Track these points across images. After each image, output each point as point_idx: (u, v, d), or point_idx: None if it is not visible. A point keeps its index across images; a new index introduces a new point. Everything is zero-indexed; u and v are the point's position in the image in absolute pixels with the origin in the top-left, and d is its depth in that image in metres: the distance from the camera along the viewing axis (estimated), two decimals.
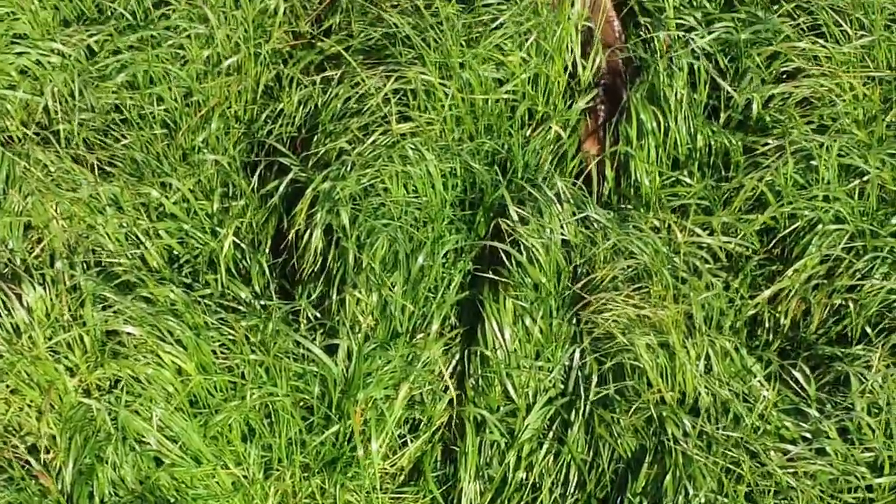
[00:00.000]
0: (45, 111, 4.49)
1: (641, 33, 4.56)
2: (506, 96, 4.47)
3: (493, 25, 4.48)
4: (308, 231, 4.21)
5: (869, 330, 4.05)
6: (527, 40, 4.48)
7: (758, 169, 4.23)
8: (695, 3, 4.57)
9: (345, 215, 4.11)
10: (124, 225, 4.23)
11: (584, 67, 4.56)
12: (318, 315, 4.14)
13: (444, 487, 4.11)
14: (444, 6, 4.52)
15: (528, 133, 4.48)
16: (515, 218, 4.14)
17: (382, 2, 4.71)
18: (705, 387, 3.92)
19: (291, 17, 4.86)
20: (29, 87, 4.51)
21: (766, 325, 4.18)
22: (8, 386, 3.85)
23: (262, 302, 4.16)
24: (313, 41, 4.77)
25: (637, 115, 4.31)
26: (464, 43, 4.44)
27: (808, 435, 3.84)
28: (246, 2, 4.69)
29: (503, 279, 4.09)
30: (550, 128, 4.46)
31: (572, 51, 4.55)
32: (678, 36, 4.46)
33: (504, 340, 4.04)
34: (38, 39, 4.59)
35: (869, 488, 3.80)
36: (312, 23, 4.89)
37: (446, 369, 4.17)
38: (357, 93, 4.45)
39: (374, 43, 4.63)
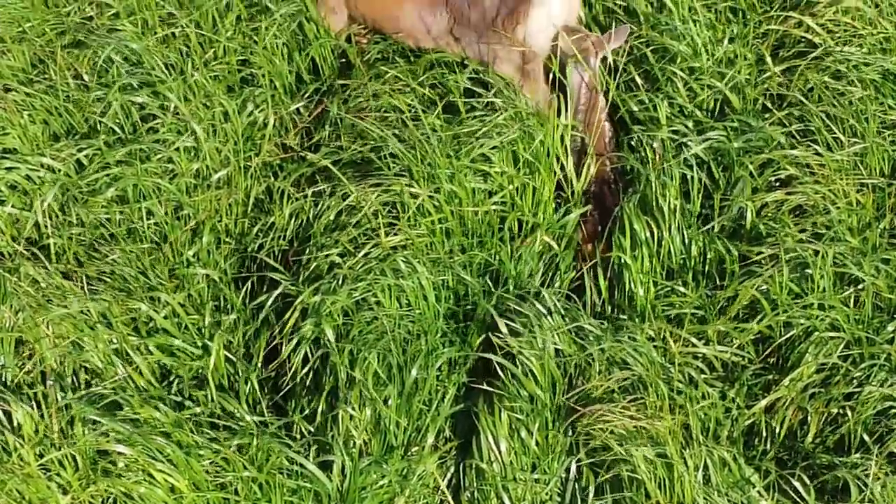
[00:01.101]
0: (35, 226, 5.05)
1: (633, 142, 5.15)
2: (495, 207, 5.02)
3: (479, 136, 5.06)
4: (299, 345, 4.72)
5: (866, 437, 4.53)
6: (513, 151, 5.06)
7: (752, 277, 4.76)
8: (686, 112, 5.16)
9: (330, 332, 4.62)
10: (114, 341, 4.75)
11: (574, 177, 5.14)
12: (312, 430, 4.63)
13: None
14: (429, 117, 5.10)
15: (518, 244, 5.02)
16: (506, 331, 4.66)
17: (370, 115, 5.30)
18: (704, 498, 4.38)
19: (281, 131, 5.45)
20: (19, 202, 5.07)
21: (764, 434, 4.65)
22: None
23: (255, 418, 4.66)
24: (303, 155, 5.35)
25: (630, 224, 4.86)
26: (451, 153, 5.01)
27: None
28: (235, 115, 5.29)
29: (498, 391, 4.58)
30: (541, 238, 5.01)
31: (561, 161, 5.13)
32: (671, 144, 5.04)
33: (500, 453, 4.52)
34: (28, 154, 5.17)
35: None
36: (302, 136, 5.48)
37: (442, 482, 4.64)
38: (347, 206, 5.01)
39: (363, 156, 5.21)
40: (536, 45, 5.24)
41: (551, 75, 5.29)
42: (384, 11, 5.54)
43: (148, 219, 5.08)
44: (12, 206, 5.06)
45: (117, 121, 5.24)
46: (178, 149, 5.16)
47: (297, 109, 5.53)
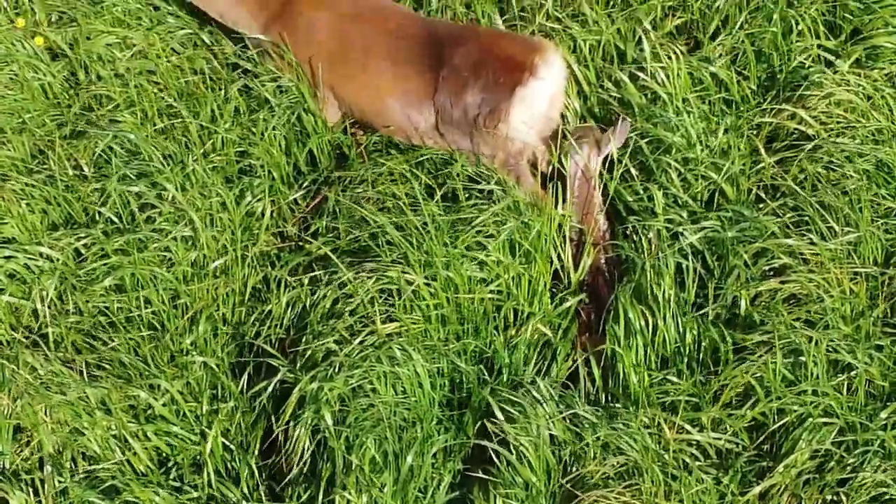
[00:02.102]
0: (33, 314, 5.68)
1: (628, 232, 5.78)
2: (490, 296, 5.64)
3: (476, 225, 5.68)
4: (296, 432, 5.31)
5: None
6: (509, 240, 5.67)
7: (746, 364, 5.33)
8: (681, 202, 5.80)
9: (329, 418, 5.20)
10: (113, 427, 5.34)
11: (569, 267, 5.76)
12: None
13: None
14: (428, 205, 5.74)
15: (513, 332, 5.63)
16: (502, 418, 5.25)
17: (368, 202, 5.94)
18: None
19: (279, 220, 6.09)
20: (18, 291, 5.70)
21: None
22: None
23: None
24: (300, 243, 5.98)
25: (625, 313, 5.46)
26: (448, 241, 5.62)
27: None
28: (232, 205, 5.93)
29: (493, 478, 5.15)
30: (536, 327, 5.61)
31: (557, 250, 5.76)
32: (665, 234, 5.67)
33: None
34: (27, 243, 5.79)
35: None
36: (299, 226, 6.11)
37: None
38: (344, 294, 5.62)
39: (360, 244, 5.82)
40: (520, 142, 5.89)
41: (551, 166, 5.96)
42: (371, 107, 6.21)
43: (146, 307, 5.68)
44: (11, 295, 5.67)
45: (116, 210, 5.86)
46: (175, 238, 5.77)
47: (295, 199, 6.16)
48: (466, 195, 5.86)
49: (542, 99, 5.87)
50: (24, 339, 5.63)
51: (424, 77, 6.01)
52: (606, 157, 5.91)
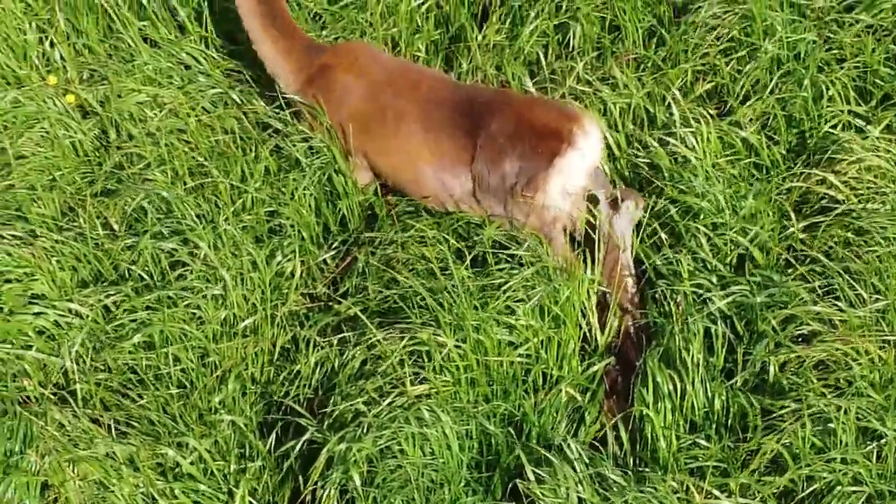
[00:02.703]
0: (62, 371, 6.04)
1: (657, 296, 6.14)
2: (519, 359, 6.00)
3: (506, 290, 6.03)
4: (324, 492, 5.62)
5: None
6: (538, 304, 6.01)
7: (775, 431, 5.66)
8: (709, 267, 6.16)
9: (358, 479, 5.52)
10: (140, 485, 5.69)
11: (598, 331, 6.12)
12: None
13: None
14: (458, 268, 6.11)
15: (542, 396, 5.97)
16: (533, 478, 5.59)
17: (398, 264, 6.31)
18: None
19: (308, 280, 6.47)
20: (46, 348, 6.07)
21: None
22: None
23: None
24: (330, 303, 6.35)
25: (653, 377, 5.81)
26: (477, 305, 5.98)
27: None
28: (262, 265, 6.30)
29: None
30: (565, 391, 5.96)
31: (586, 314, 6.12)
32: (694, 299, 6.03)
33: None
34: (56, 300, 6.16)
35: None
36: (328, 286, 6.49)
37: None
38: (373, 354, 5.98)
39: (390, 305, 6.19)
40: (556, 210, 6.23)
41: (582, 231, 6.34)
42: (404, 173, 6.59)
43: (175, 365, 6.04)
44: (39, 351, 6.01)
45: (146, 268, 6.23)
46: (205, 296, 6.14)
47: (325, 260, 6.55)
48: (495, 259, 6.21)
49: (580, 169, 6.21)
50: (52, 396, 5.96)
51: (459, 143, 6.38)
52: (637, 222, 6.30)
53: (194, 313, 6.16)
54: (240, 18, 6.92)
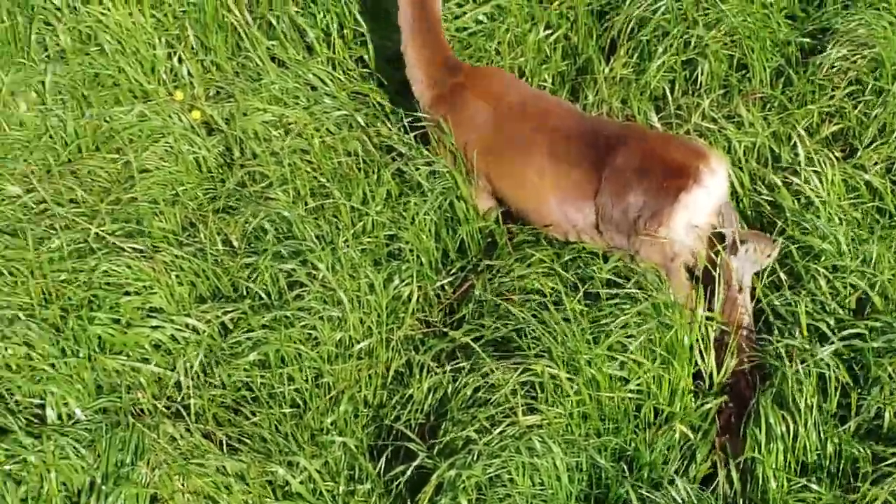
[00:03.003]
0: (176, 385, 6.32)
1: (773, 337, 6.27)
2: (631, 395, 6.16)
3: (618, 325, 6.19)
4: None
5: None
6: (650, 340, 6.15)
7: (886, 480, 5.75)
8: (828, 309, 6.28)
9: None
10: (249, 502, 5.91)
11: (713, 369, 6.27)
12: None
13: None
14: (571, 301, 6.29)
15: (653, 432, 6.13)
16: None
17: (514, 296, 6.51)
18: None
19: (424, 306, 6.69)
20: (162, 361, 6.34)
21: None
22: None
23: None
24: (445, 330, 6.56)
25: (766, 418, 5.94)
26: (589, 339, 6.15)
27: None
28: (380, 288, 6.53)
29: None
30: (676, 428, 6.12)
31: (700, 351, 6.27)
32: (810, 341, 6.16)
33: None
34: (174, 314, 6.43)
35: None
36: (445, 312, 6.70)
37: None
38: (486, 383, 6.18)
39: (504, 336, 6.38)
40: (679, 246, 6.37)
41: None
42: (528, 204, 6.78)
43: (289, 384, 6.28)
44: (156, 365, 6.32)
45: (264, 287, 6.51)
46: (322, 317, 6.38)
47: (442, 286, 6.78)
48: (608, 295, 6.37)
49: (705, 206, 6.35)
50: (165, 410, 6.23)
51: (585, 175, 6.56)
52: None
53: (310, 334, 6.38)
54: (396, 15, 7.18)
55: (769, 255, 6.34)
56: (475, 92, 6.97)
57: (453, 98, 7.01)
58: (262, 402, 6.29)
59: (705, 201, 6.34)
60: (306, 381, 6.32)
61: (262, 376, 6.31)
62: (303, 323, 6.38)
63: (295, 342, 6.33)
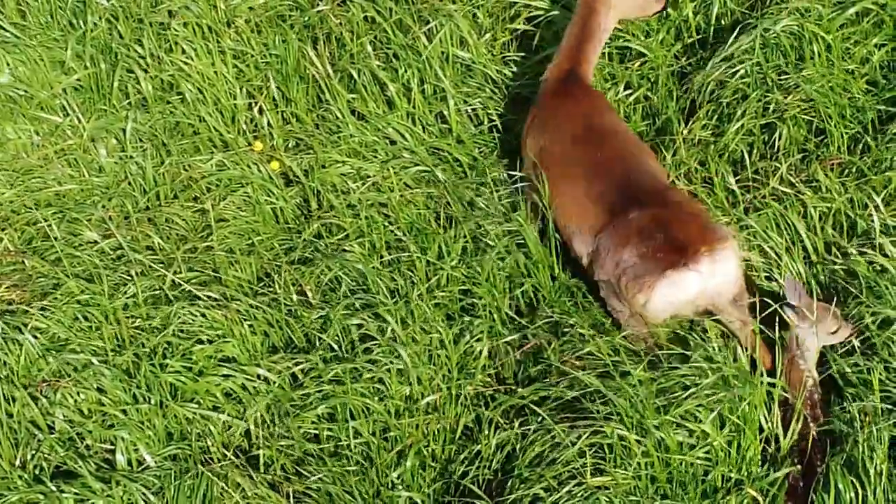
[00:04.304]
0: (245, 435, 6.60)
1: (843, 403, 6.45)
2: (699, 461, 6.34)
3: (685, 395, 6.36)
4: None
5: None
6: (718, 409, 6.30)
7: None
8: None
9: None
10: None
11: (781, 435, 6.45)
12: None
13: None
14: (636, 369, 6.47)
15: (721, 497, 6.31)
16: None
17: (571, 360, 6.73)
18: None
19: (496, 360, 6.91)
20: (233, 410, 6.62)
21: None
22: None
23: None
24: (514, 387, 6.79)
25: (835, 484, 6.11)
26: (661, 405, 6.31)
27: None
28: (450, 343, 6.77)
29: None
30: (745, 493, 6.29)
31: (768, 418, 6.45)
32: (882, 408, 6.33)
33: None
34: (245, 364, 6.73)
35: None
36: (514, 371, 6.93)
37: None
38: (554, 442, 6.40)
39: (573, 396, 6.59)
40: (653, 318, 6.61)
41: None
42: (562, 229, 7.13)
43: (355, 438, 6.56)
44: (227, 414, 6.61)
45: (336, 338, 6.79)
46: (390, 370, 6.64)
47: (512, 342, 7.00)
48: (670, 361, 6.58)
49: (691, 289, 6.51)
50: (234, 459, 6.51)
51: (600, 218, 6.82)
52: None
53: (377, 388, 6.65)
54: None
55: (834, 333, 6.51)
56: (563, 103, 7.38)
57: (546, 98, 7.47)
58: (329, 454, 6.54)
59: (694, 285, 6.51)
60: (373, 434, 6.57)
61: (328, 429, 6.57)
62: (370, 376, 6.65)
63: (362, 396, 6.59)
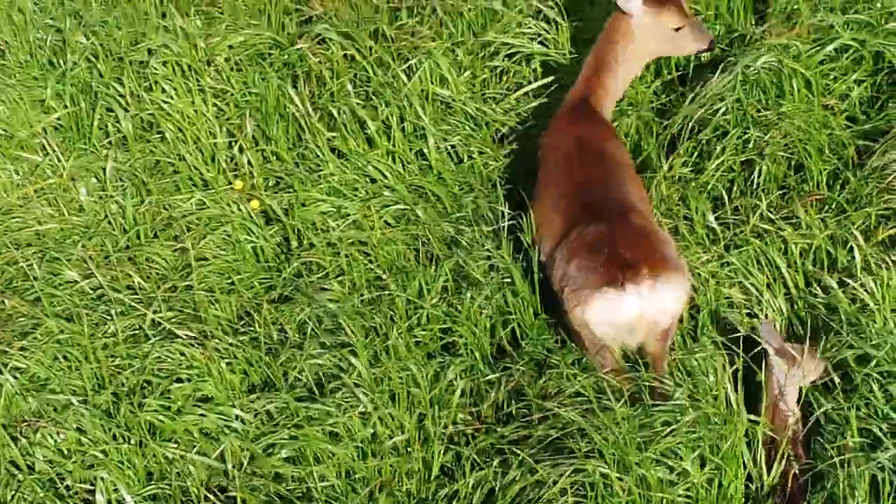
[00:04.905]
0: (224, 473, 6.63)
1: (824, 441, 6.50)
2: (680, 499, 6.33)
3: (666, 432, 6.38)
4: None
5: None
6: (699, 447, 6.34)
7: None
8: (880, 415, 6.50)
9: None
10: None
11: (763, 473, 6.51)
12: None
13: None
14: (619, 407, 6.49)
15: None
16: None
17: (557, 399, 6.77)
18: None
19: (477, 399, 6.91)
20: (210, 449, 6.61)
21: None
22: None
23: None
24: (494, 425, 6.83)
25: None
26: (641, 442, 6.33)
27: None
28: (426, 381, 6.76)
29: None
30: None
31: (752, 455, 6.51)
32: (863, 447, 6.40)
33: None
34: (222, 402, 6.76)
35: None
36: (495, 408, 6.96)
37: None
38: (536, 480, 6.42)
39: (554, 433, 6.62)
40: (599, 335, 6.66)
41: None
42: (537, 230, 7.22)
43: (321, 481, 6.55)
44: (202, 454, 6.61)
45: (315, 376, 6.81)
46: (363, 411, 6.65)
47: (492, 380, 7.05)
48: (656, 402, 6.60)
49: (627, 309, 6.56)
50: (213, 498, 6.52)
51: (559, 230, 6.97)
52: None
53: (346, 427, 6.67)
54: None
55: (813, 371, 6.58)
56: (566, 124, 7.57)
57: (555, 119, 7.71)
58: (299, 496, 6.56)
59: (631, 305, 6.56)
60: (338, 476, 6.59)
61: (293, 473, 6.61)
62: (340, 417, 6.68)
63: (330, 435, 6.64)
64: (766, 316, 6.92)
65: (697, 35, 7.73)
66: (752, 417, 6.50)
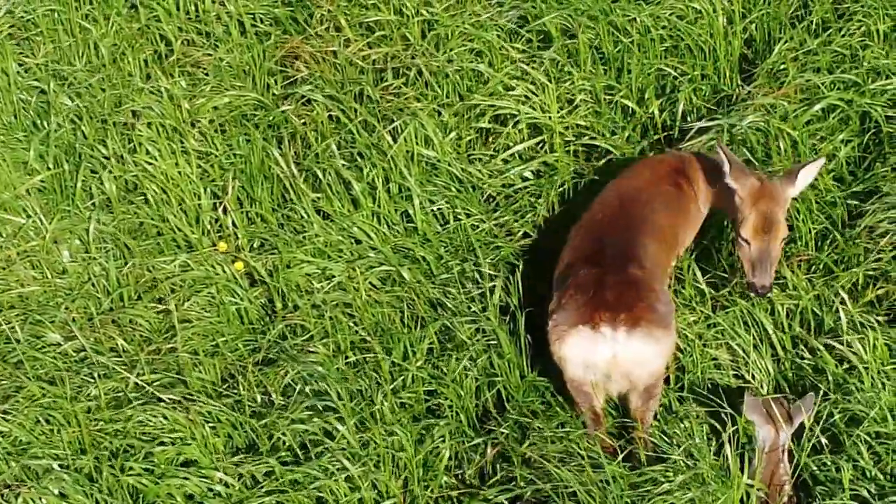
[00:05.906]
0: None
1: (813, 501, 6.58)
2: None
3: (660, 490, 6.48)
4: None
5: None
6: None
7: None
8: (869, 476, 6.59)
9: None
10: None
11: None
12: None
13: None
14: (611, 465, 6.54)
15: None
16: None
17: (551, 456, 6.84)
18: None
19: (463, 463, 6.98)
20: None
21: None
22: None
23: None
24: (481, 489, 6.87)
25: None
26: (628, 501, 6.45)
27: None
28: (410, 445, 6.82)
29: None
30: None
31: None
32: None
33: None
34: (206, 466, 6.80)
35: None
36: (481, 472, 7.00)
37: None
38: None
39: (542, 494, 6.63)
40: (571, 374, 6.81)
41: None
42: None
43: None
44: None
45: (298, 440, 6.88)
46: (349, 476, 6.70)
47: (477, 444, 7.10)
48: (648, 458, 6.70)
49: (599, 352, 6.68)
50: None
51: (563, 267, 7.13)
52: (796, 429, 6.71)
53: (333, 491, 6.71)
54: None
55: (797, 419, 6.65)
56: (636, 172, 7.69)
57: (636, 162, 7.88)
58: None
59: (604, 348, 6.67)
60: None
61: None
62: (317, 484, 6.73)
63: (311, 502, 6.70)
64: (753, 377, 7.00)
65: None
66: (748, 481, 6.54)
